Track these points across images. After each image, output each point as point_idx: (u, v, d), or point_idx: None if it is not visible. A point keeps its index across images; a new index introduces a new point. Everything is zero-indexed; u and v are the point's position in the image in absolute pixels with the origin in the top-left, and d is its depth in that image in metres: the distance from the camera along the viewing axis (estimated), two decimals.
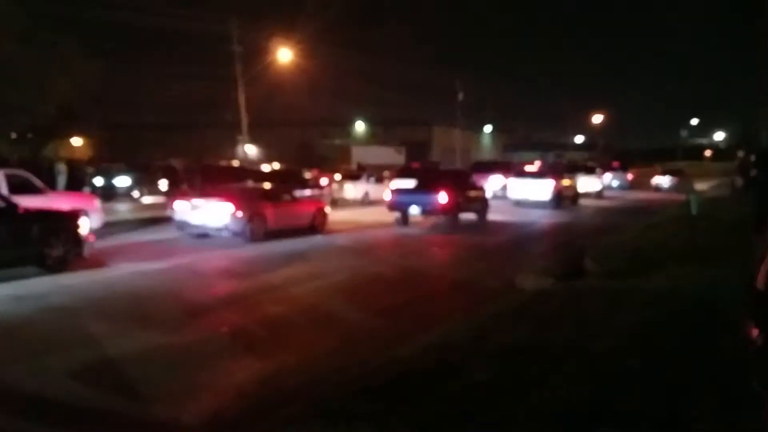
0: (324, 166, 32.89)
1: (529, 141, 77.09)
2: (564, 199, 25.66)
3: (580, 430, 3.82)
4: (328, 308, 8.16)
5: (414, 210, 17.87)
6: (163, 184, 23.89)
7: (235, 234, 13.84)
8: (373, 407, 4.14)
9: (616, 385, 4.45)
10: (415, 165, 33.04)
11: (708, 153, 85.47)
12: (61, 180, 22.06)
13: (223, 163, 29.80)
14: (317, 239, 15.14)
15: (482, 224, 18.95)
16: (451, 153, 54.59)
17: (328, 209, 17.40)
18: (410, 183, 18.55)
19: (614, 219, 21.24)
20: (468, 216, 18.78)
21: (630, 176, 42.10)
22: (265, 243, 13.85)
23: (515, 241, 15.86)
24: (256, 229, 14.11)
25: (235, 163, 29.77)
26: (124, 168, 27.37)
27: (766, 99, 34.28)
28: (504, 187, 27.89)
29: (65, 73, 22.68)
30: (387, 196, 18.96)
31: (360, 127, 58.73)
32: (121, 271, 10.34)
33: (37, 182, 13.63)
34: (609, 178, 39.19)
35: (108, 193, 23.76)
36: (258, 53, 29.01)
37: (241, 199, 14.20)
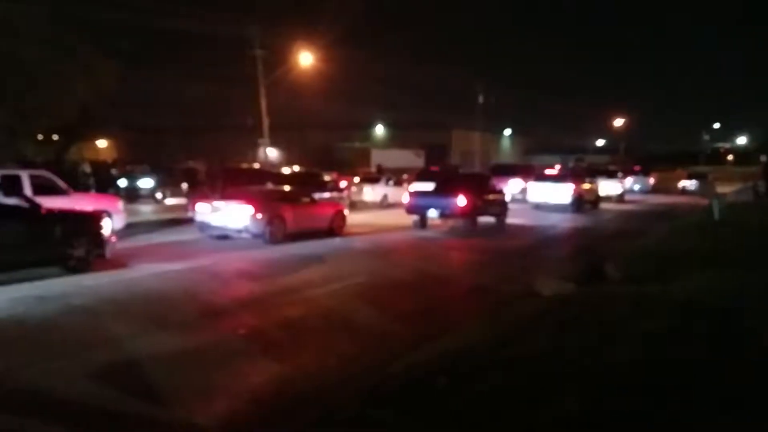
0: (342, 168, 32.98)
1: (550, 144, 76.50)
2: (584, 202, 25.43)
3: None
4: (345, 312, 8.16)
5: (432, 213, 17.82)
6: (185, 186, 24.14)
7: (255, 236, 13.94)
8: (389, 415, 4.12)
9: (637, 399, 4.36)
10: (434, 168, 32.97)
11: (730, 157, 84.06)
12: (88, 181, 22.41)
13: (244, 165, 30.02)
14: (336, 242, 15.17)
15: (501, 228, 18.83)
16: (470, 156, 54.36)
17: (346, 212, 17.43)
18: (429, 186, 18.51)
19: (635, 223, 20.98)
20: (487, 219, 18.68)
21: (652, 180, 41.59)
22: (284, 245, 13.91)
23: (534, 245, 15.72)
24: (276, 231, 14.20)
25: (256, 165, 29.98)
26: (147, 170, 27.74)
27: None
28: (524, 191, 27.73)
29: (87, 76, 22.98)
30: (405, 199, 18.94)
31: (379, 130, 58.78)
32: (142, 272, 10.45)
33: (61, 183, 13.84)
34: (630, 182, 38.73)
35: (132, 195, 24.07)
36: (279, 56, 29.25)
37: (260, 201, 14.30)
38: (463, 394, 4.43)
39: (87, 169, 23.53)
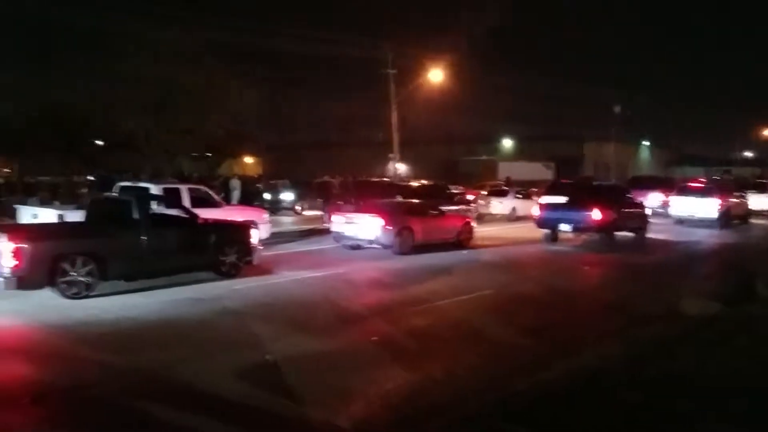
0: (469, 181, 32.92)
1: (693, 156, 70.70)
2: (733, 217, 23.40)
3: None
4: (472, 324, 8.23)
5: (564, 227, 17.28)
6: (320, 200, 25.50)
7: (385, 246, 14.46)
8: (519, 430, 4.14)
9: None
10: (565, 180, 31.84)
11: None
12: (236, 195, 24.45)
13: (374, 179, 31.02)
14: (463, 254, 15.25)
15: (641, 243, 17.81)
16: (604, 168, 51.75)
17: (474, 224, 17.45)
18: (560, 199, 17.96)
19: None
20: (625, 234, 17.78)
21: None
22: (412, 256, 14.26)
23: (677, 262, 14.73)
24: (404, 243, 14.61)
25: (386, 179, 30.87)
26: (288, 184, 29.65)
27: None
28: (664, 204, 25.99)
29: (232, 97, 24.95)
30: (536, 211, 18.56)
31: (507, 143, 57.88)
32: (285, 278, 11.27)
33: (215, 196, 15.30)
34: None
35: (275, 207, 25.89)
36: (409, 74, 30.04)
37: (390, 213, 14.82)
38: (597, 414, 4.36)
39: (236, 183, 25.63)
